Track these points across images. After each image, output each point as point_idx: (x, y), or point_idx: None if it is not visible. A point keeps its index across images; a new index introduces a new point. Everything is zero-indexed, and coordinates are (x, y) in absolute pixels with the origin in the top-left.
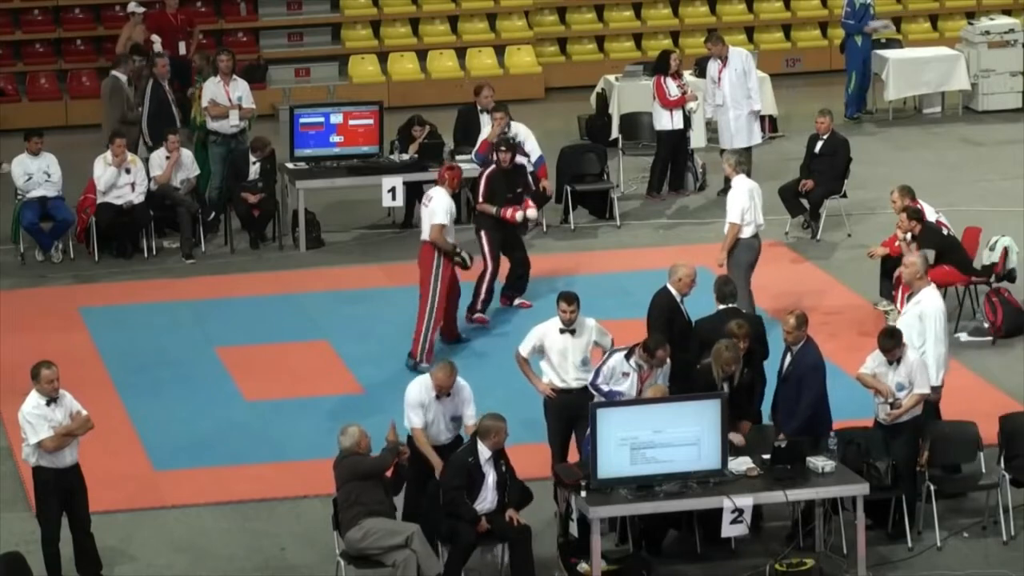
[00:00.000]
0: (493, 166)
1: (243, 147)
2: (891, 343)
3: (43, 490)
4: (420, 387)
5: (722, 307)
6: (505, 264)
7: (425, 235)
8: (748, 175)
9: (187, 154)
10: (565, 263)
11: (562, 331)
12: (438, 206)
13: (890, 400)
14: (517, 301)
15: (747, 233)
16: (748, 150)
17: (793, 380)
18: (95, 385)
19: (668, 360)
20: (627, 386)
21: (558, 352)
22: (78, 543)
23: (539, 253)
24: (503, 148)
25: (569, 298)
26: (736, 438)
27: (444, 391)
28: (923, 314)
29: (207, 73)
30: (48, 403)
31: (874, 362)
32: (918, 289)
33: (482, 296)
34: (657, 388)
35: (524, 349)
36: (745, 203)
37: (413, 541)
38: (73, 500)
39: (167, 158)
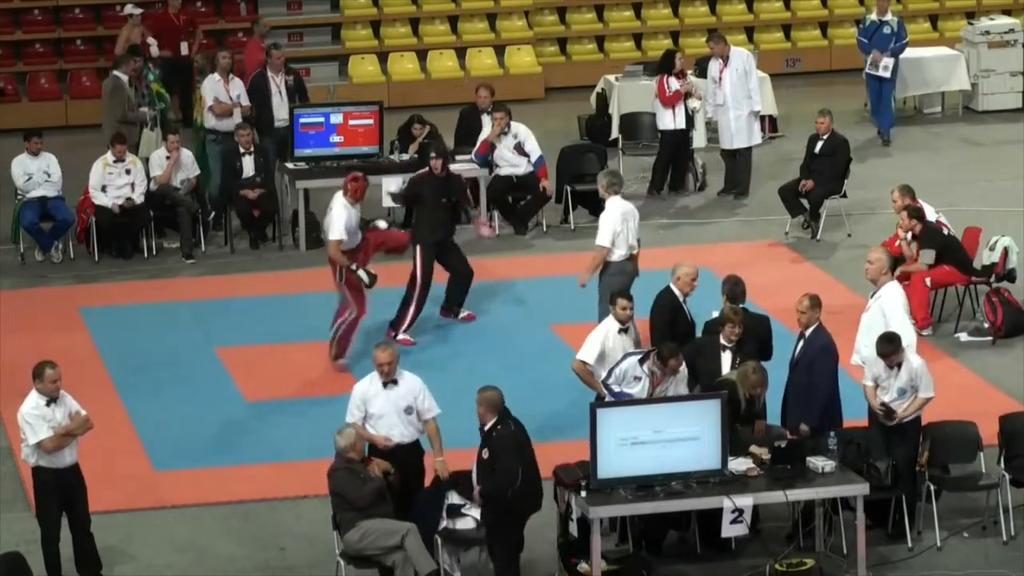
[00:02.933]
0: (425, 170)
1: (234, 145)
2: (889, 348)
3: (43, 490)
4: (366, 380)
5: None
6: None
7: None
8: (621, 195)
9: (187, 154)
10: (565, 263)
11: (620, 331)
12: (335, 219)
13: (882, 414)
14: (463, 313)
15: (617, 256)
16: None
17: (804, 364)
18: (95, 385)
19: (684, 368)
20: (637, 390)
21: (621, 352)
22: (78, 543)
23: (539, 253)
24: (433, 155)
25: (629, 296)
26: (759, 453)
27: (385, 373)
28: (884, 308)
29: (208, 73)
30: (48, 403)
31: (876, 367)
32: (881, 284)
33: (409, 315)
34: None
35: (590, 356)
36: (617, 226)
37: (407, 541)
38: (73, 500)
39: (167, 158)
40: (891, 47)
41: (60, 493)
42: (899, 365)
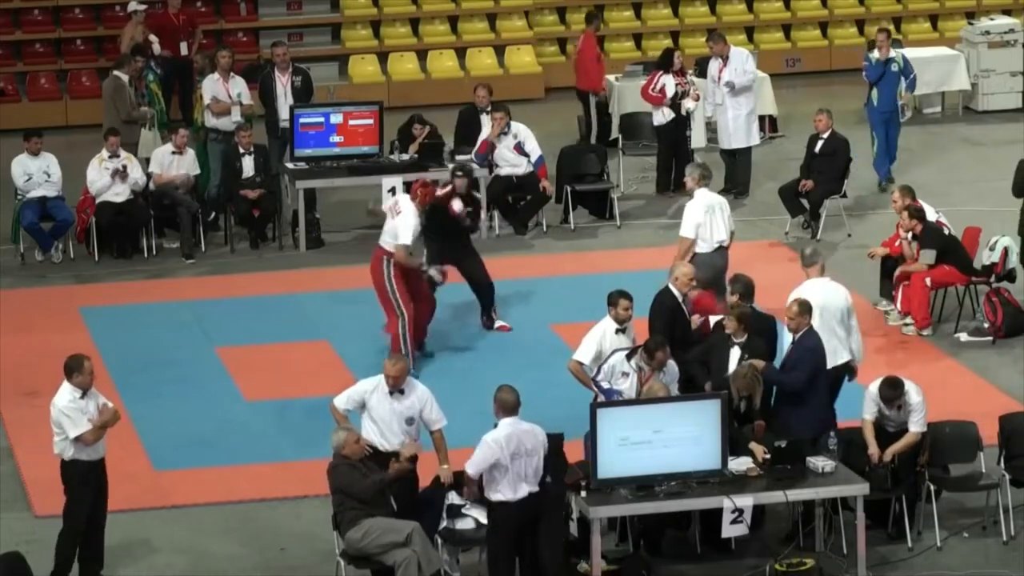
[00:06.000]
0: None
1: (234, 145)
2: (892, 393)
3: (81, 483)
4: (373, 380)
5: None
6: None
7: (383, 241)
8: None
9: (190, 152)
10: (565, 263)
11: (618, 331)
12: (406, 224)
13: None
14: (497, 324)
15: (704, 248)
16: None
17: (789, 367)
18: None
19: (675, 365)
20: (627, 386)
21: None
22: (91, 539)
23: (539, 253)
24: (459, 173)
25: (629, 296)
26: (758, 450)
27: (393, 383)
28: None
29: (208, 73)
30: (82, 396)
31: (879, 403)
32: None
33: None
34: (659, 386)
35: (586, 356)
36: (700, 217)
37: (413, 539)
38: (103, 493)
39: (173, 152)
40: (907, 84)
41: (95, 486)
42: (899, 408)
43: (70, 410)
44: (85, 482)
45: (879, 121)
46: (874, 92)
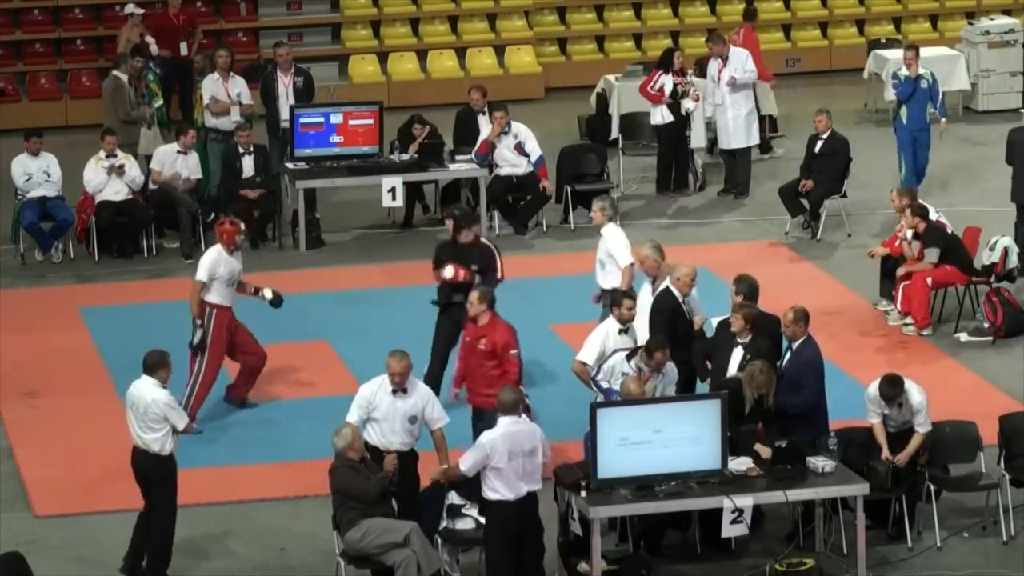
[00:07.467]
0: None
1: (234, 145)
2: (892, 392)
3: (175, 476)
4: (375, 383)
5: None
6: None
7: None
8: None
9: (193, 155)
10: (565, 263)
11: (620, 331)
12: (204, 261)
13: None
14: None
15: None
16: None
17: (788, 379)
18: (95, 385)
19: (673, 366)
20: None
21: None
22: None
23: (539, 253)
24: (449, 214)
25: (633, 295)
26: (764, 451)
27: (397, 381)
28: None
29: (209, 73)
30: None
31: (880, 404)
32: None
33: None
34: (635, 387)
35: (589, 357)
36: (626, 240)
37: (412, 539)
38: None
39: (179, 152)
40: (938, 106)
41: None
42: (899, 406)
43: (173, 403)
44: (176, 478)
45: (907, 140)
46: (903, 110)
